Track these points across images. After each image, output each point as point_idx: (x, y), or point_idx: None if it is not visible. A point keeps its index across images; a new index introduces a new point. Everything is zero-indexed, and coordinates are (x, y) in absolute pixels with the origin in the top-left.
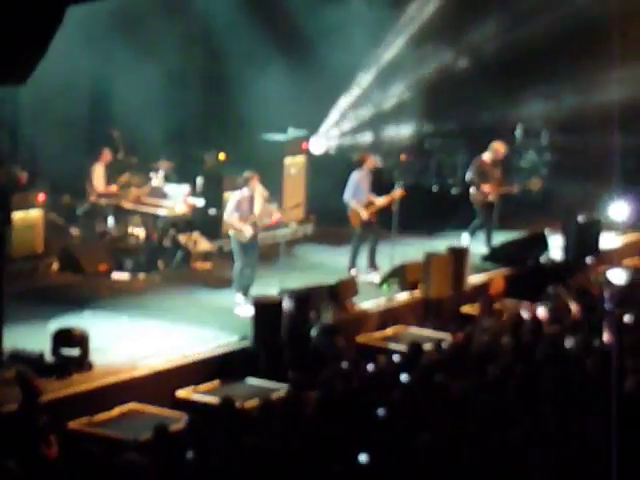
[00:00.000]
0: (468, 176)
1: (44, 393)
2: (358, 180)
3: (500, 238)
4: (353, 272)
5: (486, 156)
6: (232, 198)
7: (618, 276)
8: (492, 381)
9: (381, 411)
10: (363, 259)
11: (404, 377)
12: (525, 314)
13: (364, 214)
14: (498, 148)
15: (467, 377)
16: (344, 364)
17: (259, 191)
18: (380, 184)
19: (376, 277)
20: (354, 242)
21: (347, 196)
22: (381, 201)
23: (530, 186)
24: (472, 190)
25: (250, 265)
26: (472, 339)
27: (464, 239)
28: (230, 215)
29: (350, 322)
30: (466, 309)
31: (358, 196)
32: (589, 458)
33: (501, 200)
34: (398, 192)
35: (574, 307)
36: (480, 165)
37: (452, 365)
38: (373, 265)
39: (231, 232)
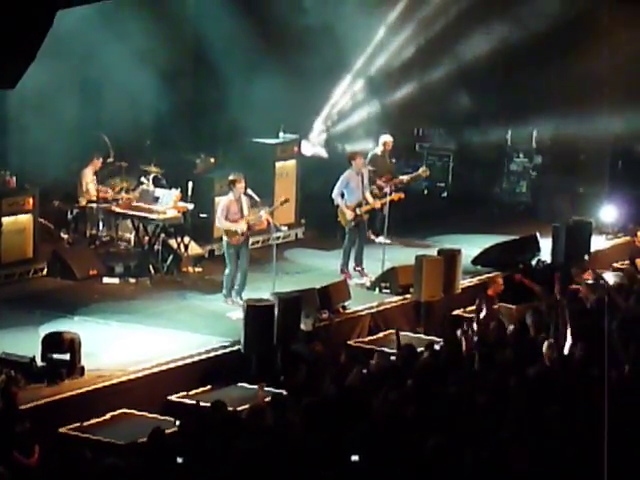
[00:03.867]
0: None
1: (33, 399)
2: (347, 179)
3: (491, 242)
4: (345, 274)
5: (377, 150)
6: (220, 204)
7: (608, 279)
8: (488, 384)
9: (373, 414)
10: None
11: (398, 380)
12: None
13: (349, 214)
14: (386, 140)
15: (463, 380)
16: (328, 368)
17: (244, 193)
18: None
19: (363, 278)
20: (345, 243)
21: (334, 194)
22: (377, 202)
23: (421, 174)
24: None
25: (241, 269)
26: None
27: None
28: (221, 220)
29: (341, 326)
30: (458, 312)
31: (348, 195)
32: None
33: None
34: (396, 195)
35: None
36: (373, 159)
37: (447, 368)
38: (360, 266)
39: (224, 237)
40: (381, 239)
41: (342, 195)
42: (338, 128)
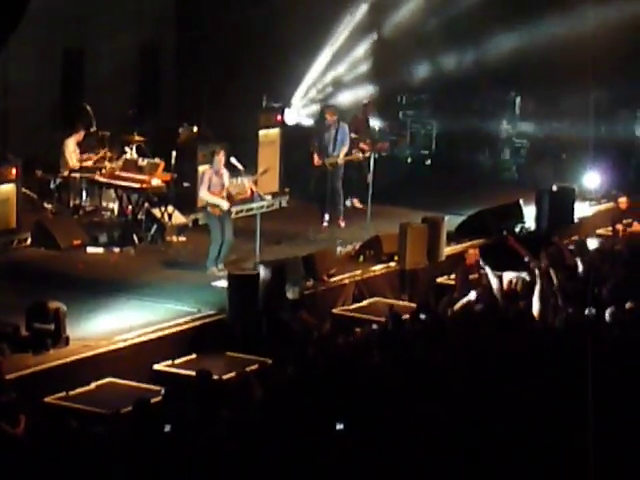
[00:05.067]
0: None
1: (18, 368)
2: (319, 130)
3: (475, 209)
4: (326, 221)
5: (359, 112)
6: (202, 175)
7: (591, 245)
8: (473, 352)
9: (360, 381)
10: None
11: (383, 347)
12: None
13: (315, 160)
14: (367, 103)
15: (447, 347)
16: (314, 336)
17: (224, 165)
18: None
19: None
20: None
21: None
22: (340, 158)
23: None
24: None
25: (227, 239)
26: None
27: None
28: (203, 191)
29: (326, 294)
30: (442, 280)
31: (323, 146)
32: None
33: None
34: (357, 155)
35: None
36: (355, 122)
37: (432, 335)
38: (326, 213)
39: (208, 208)
40: (355, 203)
41: (320, 143)
42: (325, 96)
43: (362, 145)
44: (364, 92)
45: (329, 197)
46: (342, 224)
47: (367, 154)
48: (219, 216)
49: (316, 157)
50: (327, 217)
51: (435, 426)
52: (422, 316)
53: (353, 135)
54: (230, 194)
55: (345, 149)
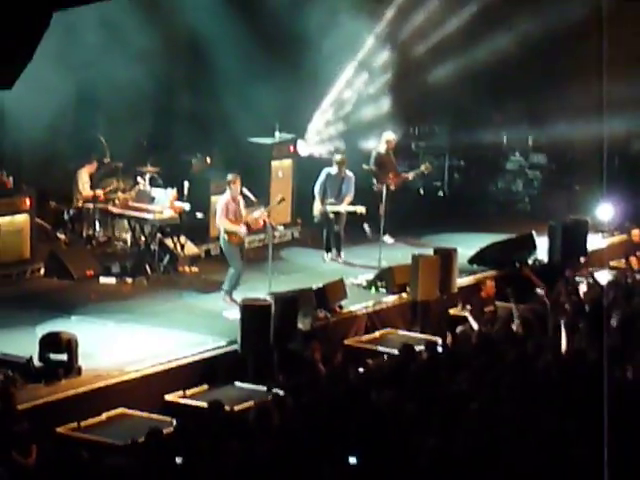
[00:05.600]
0: (367, 168)
1: (30, 399)
2: (324, 177)
3: (487, 241)
4: (325, 257)
5: (381, 148)
6: (219, 203)
7: (604, 278)
8: (486, 382)
9: (372, 414)
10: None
11: (396, 379)
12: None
13: (315, 208)
14: (389, 139)
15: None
16: (325, 368)
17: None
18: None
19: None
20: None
21: (315, 188)
22: (340, 207)
23: (423, 170)
24: (374, 182)
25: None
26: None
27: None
28: (222, 219)
29: (338, 325)
30: (454, 311)
31: (325, 192)
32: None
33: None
34: (360, 208)
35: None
36: (378, 157)
37: (445, 367)
38: (339, 255)
39: (225, 236)
40: (387, 238)
41: (325, 191)
42: (339, 126)
43: (385, 179)
44: (382, 130)
45: (333, 240)
46: (341, 260)
47: (392, 186)
48: (237, 244)
49: (318, 203)
50: (326, 256)
51: (446, 458)
52: (440, 349)
53: (374, 168)
54: (248, 223)
55: (349, 199)
